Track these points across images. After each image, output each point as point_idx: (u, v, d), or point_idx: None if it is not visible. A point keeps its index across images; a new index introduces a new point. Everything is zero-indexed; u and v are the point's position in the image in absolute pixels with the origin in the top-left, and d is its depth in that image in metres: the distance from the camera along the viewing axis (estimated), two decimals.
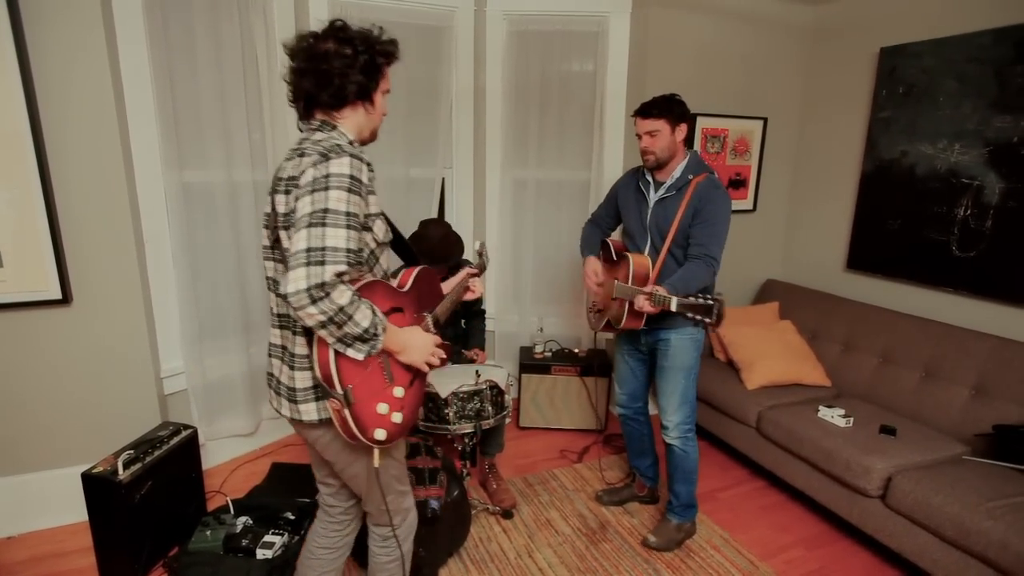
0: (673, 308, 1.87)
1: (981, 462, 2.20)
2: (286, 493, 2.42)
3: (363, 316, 1.20)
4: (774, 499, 2.70)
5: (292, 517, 2.23)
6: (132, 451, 2.10)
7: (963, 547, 1.92)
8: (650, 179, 2.21)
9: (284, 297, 1.15)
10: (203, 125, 2.52)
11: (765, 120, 3.39)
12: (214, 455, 2.79)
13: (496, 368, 2.52)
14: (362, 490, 1.51)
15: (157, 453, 2.15)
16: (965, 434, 2.37)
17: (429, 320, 1.52)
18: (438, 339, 1.45)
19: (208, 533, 2.13)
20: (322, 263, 1.14)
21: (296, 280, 1.13)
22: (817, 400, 2.72)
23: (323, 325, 1.16)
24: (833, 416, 2.48)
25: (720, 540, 2.37)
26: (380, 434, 1.30)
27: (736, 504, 2.65)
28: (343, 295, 1.16)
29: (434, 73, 3.13)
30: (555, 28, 3.18)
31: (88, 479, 1.98)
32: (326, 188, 1.19)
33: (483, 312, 2.91)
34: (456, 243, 2.52)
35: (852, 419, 2.46)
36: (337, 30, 1.33)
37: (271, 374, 1.45)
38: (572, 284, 3.54)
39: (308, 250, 1.14)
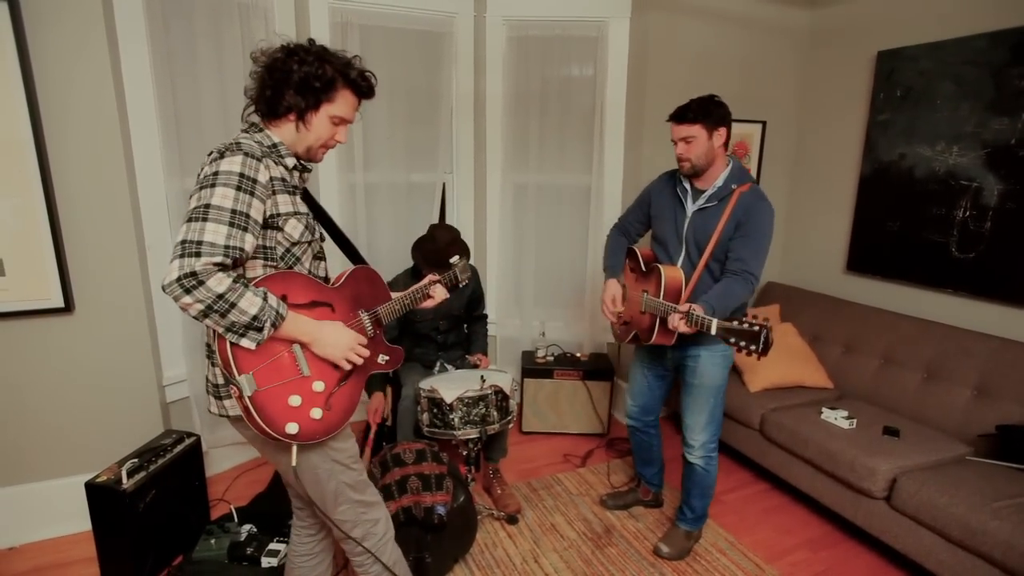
0: (713, 332, 1.73)
1: (985, 462, 2.21)
2: (290, 500, 2.39)
3: (249, 303, 1.16)
4: (778, 501, 2.70)
5: None
6: (136, 459, 2.09)
7: (969, 547, 1.92)
8: (688, 186, 2.06)
9: (163, 290, 1.13)
10: (205, 132, 2.52)
11: (764, 124, 3.41)
12: (217, 463, 2.78)
13: (500, 373, 2.52)
14: (309, 496, 1.46)
15: (161, 461, 2.14)
16: (968, 435, 2.38)
17: (365, 318, 1.49)
18: (363, 338, 1.41)
19: (212, 542, 2.12)
20: (197, 255, 1.12)
21: (170, 272, 1.11)
22: (820, 402, 2.72)
23: (204, 315, 1.14)
24: (836, 418, 2.49)
25: (726, 543, 2.37)
26: (292, 428, 1.26)
27: (740, 507, 2.65)
28: (220, 283, 1.13)
29: (434, 78, 3.14)
30: (554, 33, 3.19)
31: (92, 488, 1.97)
32: (212, 185, 1.19)
33: (485, 317, 2.91)
34: (463, 250, 2.52)
35: (855, 421, 2.47)
36: (296, 45, 1.33)
37: (206, 376, 1.42)
38: (573, 288, 3.55)
39: (184, 242, 1.13)
